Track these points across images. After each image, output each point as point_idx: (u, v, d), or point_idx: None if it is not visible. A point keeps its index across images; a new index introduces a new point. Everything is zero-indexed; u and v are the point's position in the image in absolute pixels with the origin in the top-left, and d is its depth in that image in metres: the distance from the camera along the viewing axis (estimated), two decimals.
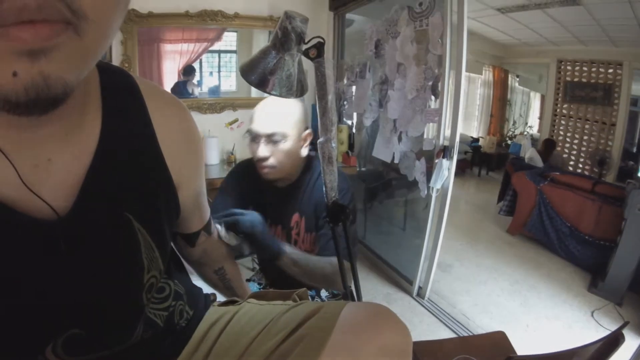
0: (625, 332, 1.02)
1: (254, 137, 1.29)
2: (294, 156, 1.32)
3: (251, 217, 1.18)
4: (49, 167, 0.48)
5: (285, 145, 1.27)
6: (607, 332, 1.06)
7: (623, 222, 2.75)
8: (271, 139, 1.26)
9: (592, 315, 2.55)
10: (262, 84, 0.96)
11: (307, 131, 1.35)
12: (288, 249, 1.23)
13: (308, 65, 0.98)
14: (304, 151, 1.35)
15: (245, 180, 1.42)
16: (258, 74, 0.95)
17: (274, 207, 1.41)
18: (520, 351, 1.41)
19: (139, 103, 0.59)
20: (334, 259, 1.25)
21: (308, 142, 1.36)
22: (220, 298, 0.98)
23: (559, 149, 5.83)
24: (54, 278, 0.50)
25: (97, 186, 0.52)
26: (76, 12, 0.32)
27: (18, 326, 0.49)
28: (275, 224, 1.43)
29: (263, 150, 1.27)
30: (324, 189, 1.13)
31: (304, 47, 0.95)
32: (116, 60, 2.66)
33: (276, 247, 1.21)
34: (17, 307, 0.48)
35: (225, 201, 1.37)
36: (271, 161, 1.28)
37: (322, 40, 0.95)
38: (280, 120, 1.27)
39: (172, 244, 0.84)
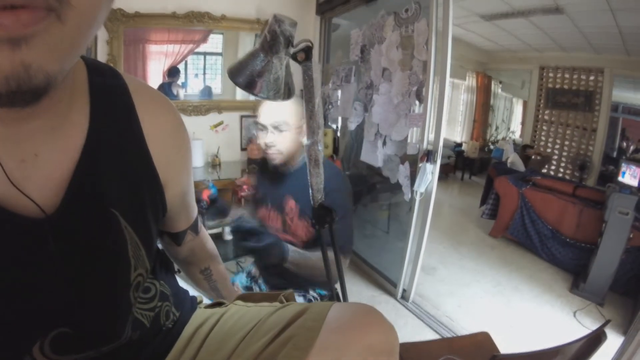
0: (607, 330, 1.04)
1: (262, 128, 1.47)
2: (296, 142, 1.48)
3: (267, 245, 1.27)
4: (36, 163, 0.47)
5: (288, 132, 1.44)
6: (589, 332, 1.09)
7: (603, 224, 2.82)
8: (276, 127, 1.44)
9: (575, 316, 2.60)
10: (249, 87, 0.96)
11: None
12: (290, 253, 1.32)
13: (295, 68, 0.99)
14: (305, 139, 1.40)
15: (261, 171, 1.67)
16: (246, 76, 0.95)
17: (273, 192, 1.56)
18: (504, 351, 1.42)
19: (127, 100, 0.58)
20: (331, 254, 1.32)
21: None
22: (207, 301, 0.97)
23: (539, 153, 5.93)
24: (41, 276, 0.49)
25: (84, 182, 0.51)
26: None
27: (4, 324, 0.48)
28: (271, 207, 1.56)
29: (271, 138, 1.44)
30: (310, 191, 1.14)
31: (292, 50, 0.96)
32: (101, 60, 2.62)
33: (281, 255, 1.30)
34: (4, 305, 0.47)
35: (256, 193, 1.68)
36: (278, 147, 1.45)
37: (310, 44, 0.95)
38: (281, 111, 1.43)
39: (159, 244, 0.84)
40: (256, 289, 1.63)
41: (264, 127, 1.47)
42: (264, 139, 1.48)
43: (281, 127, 1.44)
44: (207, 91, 3.16)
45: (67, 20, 0.33)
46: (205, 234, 1.01)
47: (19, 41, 0.31)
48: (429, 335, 2.32)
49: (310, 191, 1.14)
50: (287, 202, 1.51)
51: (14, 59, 0.31)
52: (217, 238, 2.98)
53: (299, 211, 1.48)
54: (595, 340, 1.05)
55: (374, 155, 2.69)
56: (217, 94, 3.23)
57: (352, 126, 2.89)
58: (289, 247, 1.34)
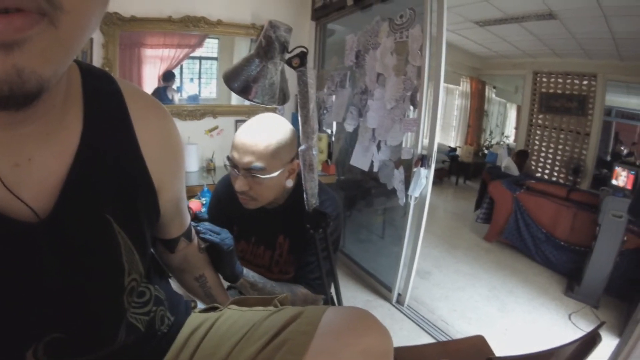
0: (602, 332, 1.05)
1: (233, 166, 1.17)
2: (277, 188, 1.20)
3: (230, 240, 1.09)
4: (30, 167, 0.47)
5: (266, 179, 1.14)
6: (584, 334, 1.09)
7: (597, 227, 2.84)
8: (250, 172, 1.12)
9: (570, 318, 2.61)
10: (244, 92, 0.96)
11: (296, 162, 1.21)
12: (246, 272, 1.17)
13: (290, 74, 0.99)
14: (290, 182, 1.23)
15: (229, 198, 1.30)
16: (241, 82, 0.96)
17: (259, 227, 1.34)
18: (499, 354, 1.43)
19: (121, 105, 0.59)
20: (297, 288, 1.24)
21: (295, 172, 1.24)
22: (201, 305, 0.97)
23: (534, 158, 5.97)
24: (35, 281, 0.49)
25: (78, 187, 0.51)
26: (52, 1, 0.31)
27: None
28: (258, 244, 1.37)
29: (241, 184, 1.15)
30: (304, 195, 1.14)
31: (287, 56, 0.97)
32: (96, 64, 2.62)
33: (238, 269, 1.14)
34: None
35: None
36: (250, 194, 1.17)
37: (305, 50, 0.96)
38: (261, 152, 1.11)
39: (152, 250, 0.84)
40: None
41: (235, 166, 1.16)
42: (234, 181, 1.19)
43: (255, 172, 1.12)
44: (194, 97, 3.16)
45: (60, 25, 0.33)
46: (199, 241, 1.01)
47: (12, 46, 0.31)
48: (424, 339, 2.32)
49: (305, 196, 1.14)
50: (277, 238, 1.32)
51: (7, 64, 0.31)
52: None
53: (288, 246, 1.31)
54: (590, 342, 1.05)
55: (366, 159, 2.70)
56: (212, 99, 3.23)
57: (349, 128, 2.90)
58: (249, 271, 1.19)
